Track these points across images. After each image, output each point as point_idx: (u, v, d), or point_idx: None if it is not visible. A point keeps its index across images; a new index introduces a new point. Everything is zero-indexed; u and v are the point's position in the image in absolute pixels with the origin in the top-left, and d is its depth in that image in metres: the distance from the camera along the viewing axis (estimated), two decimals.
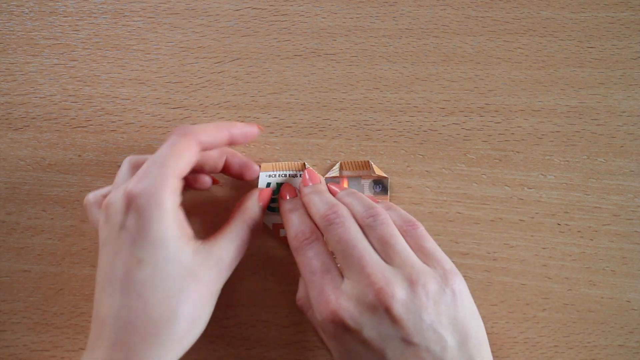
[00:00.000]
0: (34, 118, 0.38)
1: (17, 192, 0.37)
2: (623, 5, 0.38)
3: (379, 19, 0.38)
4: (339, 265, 0.30)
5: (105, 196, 0.33)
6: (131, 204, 0.28)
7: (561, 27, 0.38)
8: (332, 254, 0.31)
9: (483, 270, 0.36)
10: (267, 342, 0.36)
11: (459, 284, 0.29)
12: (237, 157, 0.35)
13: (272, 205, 0.36)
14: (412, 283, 0.28)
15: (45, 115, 0.38)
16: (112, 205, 0.29)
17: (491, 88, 0.38)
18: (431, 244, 0.31)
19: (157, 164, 0.29)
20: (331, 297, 0.29)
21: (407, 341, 0.27)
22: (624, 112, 0.37)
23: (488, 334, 0.36)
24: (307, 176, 0.35)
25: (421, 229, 0.31)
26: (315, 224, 0.32)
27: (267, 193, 0.35)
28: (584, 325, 0.36)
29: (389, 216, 0.31)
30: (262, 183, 0.36)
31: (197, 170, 0.34)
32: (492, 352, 0.36)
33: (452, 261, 0.37)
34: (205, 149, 0.31)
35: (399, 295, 0.28)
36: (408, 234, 0.31)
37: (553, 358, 0.36)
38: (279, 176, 0.36)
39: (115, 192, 0.30)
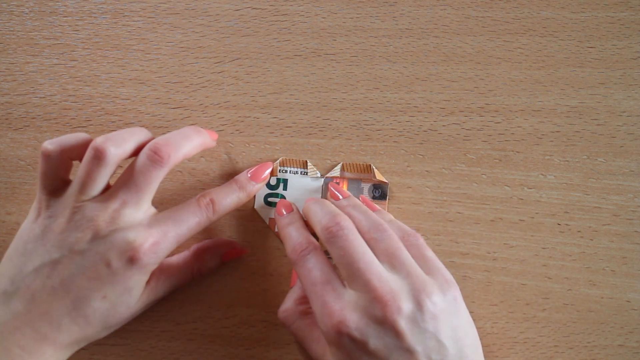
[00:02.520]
0: (34, 118, 0.38)
1: (17, 192, 0.37)
2: (623, 5, 0.38)
3: (379, 19, 0.38)
4: (342, 276, 0.30)
5: (78, 147, 0.32)
6: (135, 259, 0.30)
7: (561, 27, 0.38)
8: (331, 262, 0.31)
9: (483, 270, 0.36)
10: (267, 342, 0.36)
11: (457, 294, 0.30)
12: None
13: (270, 200, 0.36)
14: (417, 293, 0.29)
15: (45, 115, 0.38)
16: (111, 244, 0.30)
17: (491, 88, 0.38)
18: (431, 253, 0.32)
19: (177, 233, 0.32)
20: (335, 307, 0.29)
21: (408, 350, 0.28)
22: (624, 112, 0.37)
23: (488, 334, 0.36)
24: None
25: (421, 240, 0.32)
26: (315, 235, 0.32)
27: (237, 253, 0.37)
28: (584, 325, 0.36)
29: (392, 231, 0.32)
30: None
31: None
32: (492, 352, 0.36)
33: (452, 261, 0.37)
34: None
35: (404, 308, 0.28)
36: (410, 244, 0.31)
37: (553, 358, 0.36)
38: (281, 172, 0.36)
39: (119, 231, 0.30)
